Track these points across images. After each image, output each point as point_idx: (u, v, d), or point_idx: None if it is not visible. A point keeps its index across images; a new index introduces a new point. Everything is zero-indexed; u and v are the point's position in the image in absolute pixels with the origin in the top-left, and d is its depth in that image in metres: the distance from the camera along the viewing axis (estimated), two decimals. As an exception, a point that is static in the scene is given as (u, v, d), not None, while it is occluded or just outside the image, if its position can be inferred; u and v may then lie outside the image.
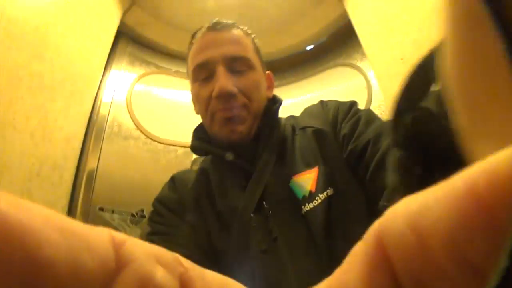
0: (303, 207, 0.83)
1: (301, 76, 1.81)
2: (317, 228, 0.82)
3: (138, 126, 1.58)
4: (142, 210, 1.42)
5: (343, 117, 0.92)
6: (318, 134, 0.92)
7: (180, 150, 1.61)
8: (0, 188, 1.06)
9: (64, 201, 1.31)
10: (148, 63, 1.80)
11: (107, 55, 1.64)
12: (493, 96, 0.17)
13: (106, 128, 1.51)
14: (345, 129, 0.91)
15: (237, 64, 0.89)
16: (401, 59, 1.33)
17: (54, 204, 1.26)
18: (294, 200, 0.85)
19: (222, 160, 0.91)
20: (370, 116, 0.92)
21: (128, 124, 1.58)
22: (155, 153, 1.57)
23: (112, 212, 1.40)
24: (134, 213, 1.41)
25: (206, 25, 0.94)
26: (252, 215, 0.85)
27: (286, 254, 0.83)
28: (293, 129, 0.98)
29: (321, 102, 1.02)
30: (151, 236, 0.93)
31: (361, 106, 1.54)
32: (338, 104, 0.96)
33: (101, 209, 1.38)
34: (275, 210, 0.86)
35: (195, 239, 0.91)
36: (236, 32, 0.94)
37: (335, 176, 0.86)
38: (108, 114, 1.54)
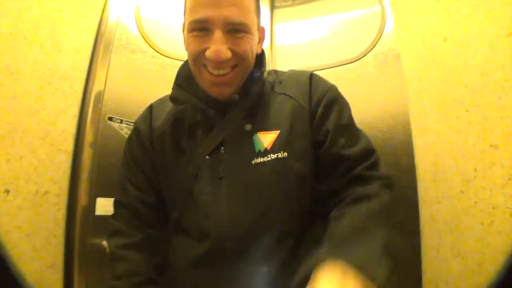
0: (255, 158, 0.92)
1: (316, -4, 1.75)
2: (259, 181, 0.92)
3: (146, 40, 1.59)
4: (149, 122, 1.50)
5: (323, 110, 0.97)
6: (296, 107, 0.98)
7: (188, 66, 1.63)
8: (15, 95, 1.13)
9: (75, 109, 1.38)
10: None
11: (116, -36, 1.60)
12: None
13: (115, 41, 1.52)
14: (319, 122, 0.96)
15: (235, 28, 0.90)
16: (417, -12, 1.27)
17: (66, 111, 1.33)
18: (250, 151, 0.94)
19: (198, 109, 0.99)
20: (343, 114, 0.98)
21: (137, 37, 1.58)
22: (162, 67, 1.59)
23: (121, 122, 1.47)
24: (142, 124, 1.49)
25: None
26: (207, 157, 0.95)
27: (226, 195, 0.92)
28: (272, 87, 1.05)
29: (311, 76, 1.05)
30: (124, 169, 1.07)
31: (373, 33, 1.52)
32: (325, 92, 1.00)
33: (110, 118, 1.46)
34: (229, 155, 0.95)
35: (151, 179, 1.04)
36: None
37: (294, 145, 0.94)
38: (116, 27, 1.54)
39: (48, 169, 1.24)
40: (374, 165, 0.92)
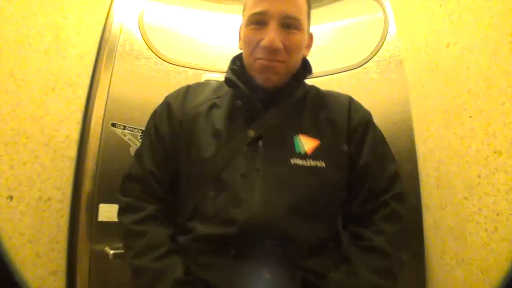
0: (294, 158, 0.97)
1: (318, 3, 1.75)
2: (295, 181, 0.96)
3: (149, 46, 1.60)
4: (152, 128, 1.50)
5: (361, 134, 1.06)
6: (336, 124, 1.05)
7: (190, 72, 1.64)
8: (19, 101, 1.14)
9: (79, 115, 1.39)
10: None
11: (119, -28, 1.61)
12: None
13: (118, 47, 1.53)
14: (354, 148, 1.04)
15: (289, 23, 0.98)
16: (419, -5, 1.27)
17: (69, 118, 1.34)
18: (290, 150, 0.98)
19: (243, 96, 1.04)
20: (378, 142, 1.08)
21: (140, 43, 1.59)
22: (165, 73, 1.60)
23: (124, 128, 1.48)
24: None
25: None
26: (246, 145, 0.98)
27: (260, 186, 0.94)
28: (313, 98, 1.11)
29: (350, 100, 1.13)
30: (146, 140, 1.10)
31: (376, 39, 1.53)
32: (363, 117, 1.09)
33: (113, 124, 1.46)
34: (269, 149, 0.98)
35: (170, 157, 1.05)
36: None
37: (332, 158, 1.00)
38: (120, 33, 1.55)
39: (51, 175, 1.25)
40: (399, 196, 1.01)
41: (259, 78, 1.02)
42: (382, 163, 1.05)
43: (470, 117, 0.97)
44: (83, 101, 1.41)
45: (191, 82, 1.57)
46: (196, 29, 1.71)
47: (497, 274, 0.86)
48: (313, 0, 1.74)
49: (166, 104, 1.11)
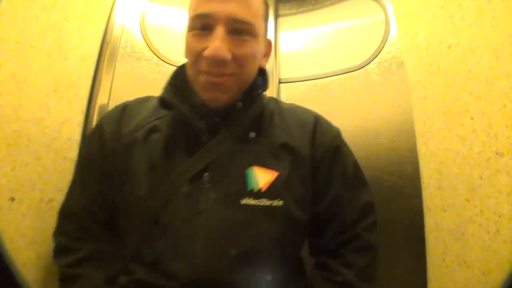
0: (245, 198, 0.81)
1: (319, 5, 1.75)
2: (246, 225, 0.81)
3: (151, 48, 1.60)
4: (154, 129, 1.50)
5: (327, 161, 0.92)
6: (297, 150, 0.89)
7: (192, 74, 1.63)
8: (21, 103, 1.14)
9: (80, 117, 1.39)
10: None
11: (120, -26, 1.61)
12: None
13: (120, 49, 1.54)
14: (320, 179, 0.91)
15: (240, 28, 0.82)
16: (421, -4, 1.27)
17: (71, 119, 1.34)
18: (240, 187, 0.82)
19: (183, 120, 0.87)
20: (349, 170, 0.94)
21: (141, 45, 1.60)
22: (167, 74, 1.55)
23: (125, 129, 1.48)
24: (146, 131, 1.49)
25: None
26: (187, 181, 0.82)
27: (204, 233, 0.79)
28: (272, 117, 0.94)
29: (316, 121, 0.96)
30: (77, 172, 0.98)
31: (377, 40, 1.52)
32: (330, 141, 0.94)
33: (115, 126, 1.46)
34: (214, 185, 0.81)
35: (106, 192, 0.90)
36: None
37: (291, 191, 0.85)
38: (122, 35, 1.56)
39: (53, 176, 1.25)
40: (372, 226, 0.92)
41: (204, 96, 0.85)
42: (353, 193, 0.93)
43: (471, 118, 0.97)
44: (84, 102, 1.42)
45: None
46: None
47: (499, 276, 0.86)
48: (315, 2, 1.77)
49: (99, 128, 0.95)
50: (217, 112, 0.87)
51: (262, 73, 0.94)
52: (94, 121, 1.42)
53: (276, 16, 1.83)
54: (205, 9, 0.81)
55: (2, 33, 1.05)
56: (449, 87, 1.08)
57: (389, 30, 1.51)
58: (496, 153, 0.88)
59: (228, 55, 0.80)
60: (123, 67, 1.53)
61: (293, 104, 1.05)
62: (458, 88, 1.03)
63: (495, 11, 0.89)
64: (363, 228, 0.90)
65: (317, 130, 0.94)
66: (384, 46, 1.51)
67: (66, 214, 0.94)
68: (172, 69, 1.58)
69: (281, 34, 1.80)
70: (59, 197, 1.27)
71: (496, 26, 0.88)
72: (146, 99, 1.02)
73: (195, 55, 0.83)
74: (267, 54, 0.97)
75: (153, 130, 0.90)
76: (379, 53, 1.51)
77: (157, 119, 0.92)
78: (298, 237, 0.92)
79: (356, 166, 0.98)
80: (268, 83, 0.95)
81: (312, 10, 1.76)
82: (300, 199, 0.86)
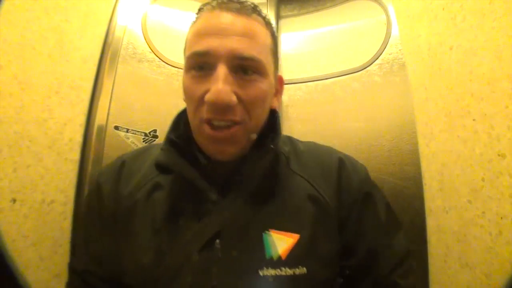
0: (264, 268, 0.69)
1: (321, 6, 1.75)
2: None
3: (152, 49, 1.60)
4: (155, 130, 1.50)
5: (356, 213, 0.79)
6: (321, 204, 0.77)
7: (193, 75, 1.63)
8: (23, 104, 1.14)
9: (82, 118, 1.39)
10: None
11: (122, -25, 1.62)
12: None
13: (121, 50, 1.54)
14: (350, 229, 0.78)
15: (245, 65, 0.70)
16: (422, -2, 1.27)
17: (73, 120, 1.34)
18: (258, 256, 0.70)
19: (189, 181, 0.76)
20: (382, 217, 0.81)
21: (143, 47, 1.60)
22: (168, 76, 1.60)
23: (127, 131, 1.48)
24: (147, 133, 1.49)
25: (219, 1, 0.74)
26: (196, 253, 0.70)
27: None
28: (288, 162, 0.83)
29: (340, 165, 0.84)
30: (81, 230, 0.89)
31: (379, 42, 1.52)
32: (358, 189, 0.81)
33: (116, 127, 1.46)
34: (228, 255, 0.70)
35: (110, 257, 0.80)
36: (254, 19, 0.74)
37: (316, 255, 0.73)
38: (123, 37, 1.56)
39: (55, 178, 1.25)
40: (409, 271, 0.80)
41: (209, 150, 0.74)
42: (388, 241, 0.81)
43: (473, 120, 0.97)
44: (86, 104, 1.42)
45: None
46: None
47: (502, 277, 0.85)
48: (317, 4, 1.77)
49: (97, 187, 0.85)
50: (225, 166, 0.77)
51: (273, 116, 0.82)
52: (96, 123, 1.43)
53: (278, 17, 1.83)
54: (203, 46, 0.70)
55: (4, 34, 1.05)
56: (451, 89, 1.07)
57: (390, 32, 1.51)
58: (498, 155, 0.87)
59: (233, 98, 0.68)
60: (125, 69, 1.53)
61: (311, 143, 0.92)
62: (459, 89, 1.03)
63: (497, 12, 0.89)
64: (399, 276, 0.78)
65: (343, 175, 0.82)
66: (386, 48, 1.50)
67: (73, 270, 0.85)
68: (174, 70, 1.61)
69: (282, 35, 1.80)
70: (61, 198, 1.27)
71: (498, 28, 0.88)
72: (145, 150, 0.91)
73: (196, 101, 0.71)
74: (278, 92, 0.84)
75: (155, 188, 0.80)
76: (380, 55, 1.51)
77: (159, 175, 0.82)
78: None
79: (388, 210, 0.85)
80: (279, 129, 0.81)
81: (313, 11, 1.76)
82: (327, 260, 0.75)
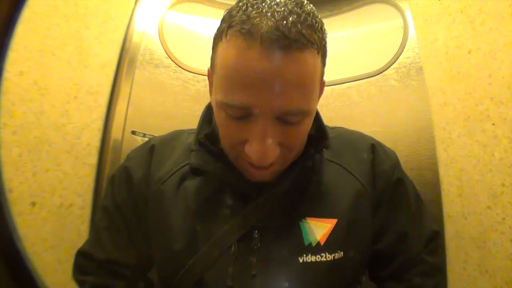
0: (304, 255, 0.69)
1: (337, 10, 1.75)
2: (309, 286, 0.70)
3: (169, 55, 1.62)
4: (171, 135, 1.52)
5: (389, 197, 0.80)
6: (358, 190, 0.77)
7: (209, 80, 1.64)
8: (42, 110, 1.16)
9: (100, 123, 1.41)
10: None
11: (140, -18, 1.64)
12: None
13: (139, 56, 1.56)
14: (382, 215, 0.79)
15: (291, 119, 0.61)
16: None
17: (90, 125, 1.36)
18: (297, 244, 0.70)
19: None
20: (413, 201, 0.82)
21: (160, 52, 1.61)
22: (185, 81, 1.61)
23: (144, 135, 1.49)
24: (164, 138, 1.51)
25: (256, 18, 0.55)
26: (235, 243, 0.70)
27: None
28: (321, 153, 0.79)
29: (373, 149, 0.83)
30: (103, 217, 0.83)
31: (396, 46, 1.51)
32: (391, 173, 0.81)
33: (133, 132, 1.48)
34: (267, 244, 0.70)
35: (138, 243, 0.80)
36: (308, 53, 0.57)
37: (353, 239, 0.73)
38: (141, 42, 1.58)
39: (73, 182, 1.27)
40: (435, 249, 0.82)
41: (247, 176, 0.70)
42: (417, 225, 0.81)
43: (493, 124, 0.95)
44: (104, 109, 1.44)
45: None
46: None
47: (523, 286, 0.84)
48: (333, 8, 1.77)
49: (126, 172, 0.82)
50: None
51: (319, 125, 0.78)
52: (114, 128, 1.44)
53: (293, 22, 1.83)
54: (242, 101, 0.58)
55: (25, 41, 1.07)
56: (469, 93, 1.06)
57: (407, 35, 1.50)
58: (519, 160, 0.86)
59: (277, 152, 0.62)
60: (142, 74, 1.55)
61: (342, 129, 0.90)
62: (478, 93, 1.02)
63: (516, 15, 0.88)
64: (426, 252, 0.80)
65: (376, 160, 0.81)
66: (403, 52, 1.49)
67: (92, 257, 0.80)
68: (190, 75, 1.62)
69: (298, 40, 1.80)
70: (79, 202, 1.29)
71: (518, 30, 0.87)
72: (175, 137, 0.88)
73: (232, 143, 0.66)
74: (320, 95, 0.73)
75: (187, 175, 0.77)
76: (397, 59, 1.49)
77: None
78: (360, 277, 0.82)
79: (416, 195, 0.85)
80: (327, 136, 0.76)
81: (329, 16, 1.76)
82: (364, 243, 0.76)
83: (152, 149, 0.83)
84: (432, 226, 0.84)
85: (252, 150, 0.60)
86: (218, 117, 0.66)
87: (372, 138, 0.87)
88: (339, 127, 0.91)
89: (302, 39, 0.55)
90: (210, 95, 0.71)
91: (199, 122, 0.80)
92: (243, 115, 0.60)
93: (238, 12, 0.58)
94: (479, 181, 1.01)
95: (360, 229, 0.75)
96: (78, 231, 1.29)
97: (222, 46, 0.60)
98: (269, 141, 0.59)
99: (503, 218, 0.91)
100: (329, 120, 1.43)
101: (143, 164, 0.82)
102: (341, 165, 0.79)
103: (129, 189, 0.81)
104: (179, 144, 0.84)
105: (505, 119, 0.90)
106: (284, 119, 0.60)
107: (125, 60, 1.52)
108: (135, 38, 1.57)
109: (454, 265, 1.14)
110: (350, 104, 1.54)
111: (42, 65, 1.15)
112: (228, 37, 0.58)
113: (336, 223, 0.72)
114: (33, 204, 1.10)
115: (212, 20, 1.75)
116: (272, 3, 0.57)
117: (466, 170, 1.08)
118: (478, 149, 1.02)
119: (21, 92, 1.06)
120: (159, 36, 1.63)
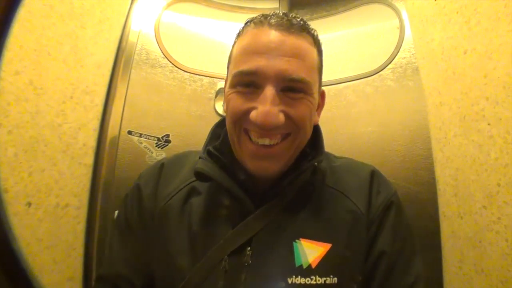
0: (293, 276, 0.69)
1: (333, 11, 1.75)
2: None
3: (165, 55, 1.61)
4: (168, 135, 1.51)
5: (381, 222, 0.78)
6: (355, 215, 0.77)
7: (205, 80, 1.63)
8: (38, 109, 1.16)
9: (96, 123, 1.41)
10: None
11: (136, -19, 1.64)
12: None
13: (135, 56, 1.55)
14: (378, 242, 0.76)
15: (293, 87, 0.70)
16: (435, 0, 1.26)
17: (86, 125, 1.36)
18: (287, 264, 0.70)
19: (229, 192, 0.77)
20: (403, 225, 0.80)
21: (156, 52, 1.61)
22: (181, 81, 1.61)
23: (140, 136, 1.49)
24: (160, 138, 1.50)
25: (267, 15, 0.73)
26: (226, 257, 0.71)
27: None
28: (323, 177, 0.81)
29: (372, 175, 0.83)
30: (115, 234, 0.85)
31: (392, 46, 1.51)
32: (388, 199, 0.80)
33: (130, 132, 1.48)
34: (258, 262, 0.71)
35: (144, 260, 0.80)
36: (304, 38, 0.71)
37: (347, 264, 0.73)
38: (137, 42, 1.58)
39: (69, 182, 1.26)
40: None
41: (250, 166, 0.73)
42: (406, 258, 0.77)
43: (488, 124, 0.95)
44: (100, 109, 1.43)
45: (206, 89, 1.61)
46: (212, 38, 1.72)
47: (518, 285, 0.84)
48: (329, 8, 1.77)
49: (137, 189, 0.85)
50: (263, 181, 0.77)
51: (316, 131, 0.82)
52: (110, 127, 1.44)
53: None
54: (251, 65, 0.68)
55: (21, 41, 1.07)
56: (465, 93, 1.06)
57: (403, 36, 1.50)
58: (514, 160, 0.86)
59: (281, 118, 0.68)
60: (138, 74, 1.55)
61: (348, 159, 0.92)
62: (474, 93, 1.02)
63: (512, 16, 0.88)
64: None
65: (374, 184, 0.82)
66: (399, 52, 1.50)
67: (102, 277, 0.83)
68: (186, 75, 1.62)
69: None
70: (75, 202, 1.28)
71: (513, 31, 0.87)
72: (184, 156, 0.92)
73: (238, 115, 0.71)
74: (319, 107, 0.83)
75: (192, 192, 0.81)
76: (393, 59, 1.50)
77: (197, 180, 0.81)
78: None
79: (408, 229, 0.82)
80: (322, 144, 0.82)
81: (326, 16, 1.76)
82: (356, 270, 0.75)
83: (162, 167, 0.87)
84: (420, 268, 0.78)
85: (257, 112, 0.67)
86: (228, 99, 0.73)
87: (373, 166, 0.88)
88: (346, 158, 0.93)
89: (302, 26, 0.72)
90: (224, 102, 0.80)
91: (207, 137, 0.85)
92: (251, 83, 0.69)
93: (251, 19, 0.75)
94: (474, 180, 1.02)
95: (355, 254, 0.74)
96: (74, 231, 1.28)
97: (237, 41, 0.76)
98: (273, 104, 0.67)
99: (499, 218, 0.91)
100: (325, 120, 1.43)
101: (152, 181, 0.85)
102: (342, 193, 0.80)
103: (140, 206, 0.83)
104: (188, 162, 0.88)
105: (501, 119, 0.91)
106: (287, 92, 0.69)
107: (121, 59, 1.52)
108: (131, 37, 1.57)
109: (449, 264, 1.14)
110: (347, 104, 1.54)
111: (38, 64, 1.14)
112: (242, 31, 0.75)
113: (330, 248, 0.72)
114: (29, 204, 1.10)
115: (208, 20, 1.75)
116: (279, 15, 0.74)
117: (462, 169, 1.08)
118: (473, 149, 1.02)
119: (17, 92, 1.05)
120: (155, 36, 1.63)
